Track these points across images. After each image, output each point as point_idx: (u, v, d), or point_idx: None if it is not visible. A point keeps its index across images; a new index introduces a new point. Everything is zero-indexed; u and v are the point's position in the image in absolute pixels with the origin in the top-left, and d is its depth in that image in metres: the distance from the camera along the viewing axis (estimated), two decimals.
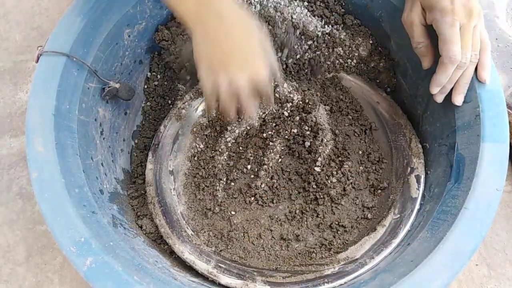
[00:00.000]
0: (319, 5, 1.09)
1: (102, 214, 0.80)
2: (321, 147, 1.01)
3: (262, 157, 1.04)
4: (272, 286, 0.85)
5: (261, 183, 1.01)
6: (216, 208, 0.99)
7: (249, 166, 1.04)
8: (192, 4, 0.75)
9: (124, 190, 0.98)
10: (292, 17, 1.05)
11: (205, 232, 0.96)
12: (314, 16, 1.08)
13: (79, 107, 0.85)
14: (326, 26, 1.08)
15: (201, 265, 0.88)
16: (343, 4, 1.08)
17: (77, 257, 0.69)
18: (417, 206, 0.92)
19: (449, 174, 0.83)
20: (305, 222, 0.98)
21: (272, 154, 1.03)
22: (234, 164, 1.05)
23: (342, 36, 1.09)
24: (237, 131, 1.05)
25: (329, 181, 0.99)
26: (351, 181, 0.99)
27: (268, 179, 1.02)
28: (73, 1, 0.87)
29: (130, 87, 0.97)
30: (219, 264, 0.89)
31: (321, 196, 0.98)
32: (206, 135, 1.07)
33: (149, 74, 1.11)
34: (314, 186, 1.00)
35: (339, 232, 0.96)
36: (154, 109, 1.12)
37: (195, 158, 1.06)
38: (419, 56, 0.91)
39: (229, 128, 1.05)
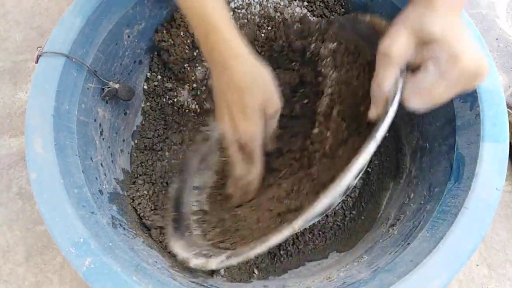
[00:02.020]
0: (319, 5, 1.09)
1: (102, 215, 0.80)
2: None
3: None
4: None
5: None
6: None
7: None
8: (205, 48, 0.77)
9: (124, 190, 0.98)
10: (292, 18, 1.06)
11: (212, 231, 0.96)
12: (314, 16, 1.09)
13: (78, 107, 0.85)
14: None
15: (181, 253, 0.87)
16: (343, 4, 1.09)
17: (76, 257, 0.69)
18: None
19: (449, 174, 0.83)
20: (303, 191, 0.93)
21: None
22: None
23: None
24: None
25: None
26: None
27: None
28: (73, 1, 0.87)
29: (129, 87, 0.98)
30: (203, 252, 0.86)
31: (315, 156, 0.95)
32: None
33: (148, 74, 1.11)
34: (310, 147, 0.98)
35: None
36: (154, 110, 1.12)
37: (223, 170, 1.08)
38: (372, 99, 0.72)
39: None
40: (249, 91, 0.77)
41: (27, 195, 1.19)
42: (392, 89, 0.66)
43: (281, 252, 1.04)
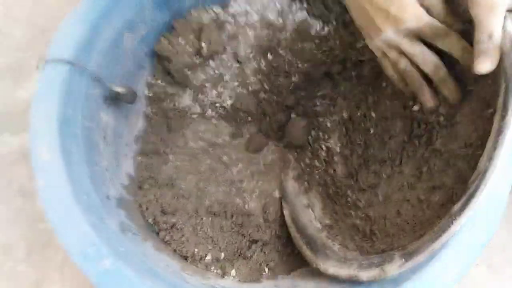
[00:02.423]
0: (318, 6, 1.09)
1: (111, 220, 0.80)
2: None
3: None
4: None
5: None
6: None
7: None
8: None
9: (130, 195, 0.98)
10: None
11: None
12: (314, 17, 1.09)
13: (82, 113, 0.85)
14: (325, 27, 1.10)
15: (342, 272, 0.83)
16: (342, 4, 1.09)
17: (89, 264, 0.69)
18: None
19: None
20: (434, 168, 0.86)
21: None
22: None
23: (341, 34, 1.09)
24: None
25: None
26: None
27: None
28: (74, 6, 0.86)
29: (132, 90, 0.98)
30: (362, 263, 0.82)
31: None
32: None
33: (150, 78, 1.12)
34: None
35: None
36: (156, 114, 1.12)
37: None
38: (479, 53, 0.66)
39: None
40: None
41: (27, 193, 1.18)
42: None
43: (289, 251, 1.05)
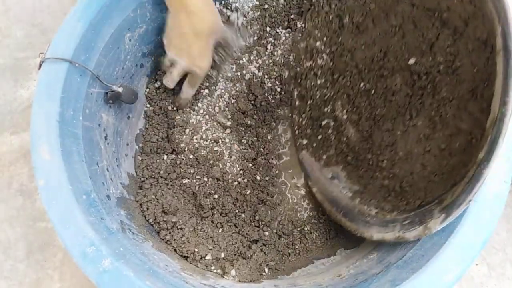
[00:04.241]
0: None
1: (111, 220, 0.80)
2: None
3: None
4: None
5: None
6: None
7: None
8: None
9: (131, 195, 0.98)
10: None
11: None
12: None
13: (83, 113, 0.85)
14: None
15: (383, 235, 0.87)
16: None
17: (89, 264, 0.69)
18: None
19: None
20: (447, 116, 0.85)
21: None
22: None
23: None
24: None
25: None
26: None
27: None
28: (74, 5, 0.86)
29: (133, 90, 0.97)
30: (404, 223, 0.84)
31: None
32: None
33: (150, 77, 1.12)
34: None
35: None
36: (156, 113, 1.12)
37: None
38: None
39: None
40: (210, 35, 1.00)
41: (27, 192, 1.19)
42: None
43: (290, 251, 1.05)
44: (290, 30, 1.17)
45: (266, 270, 0.99)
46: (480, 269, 1.12)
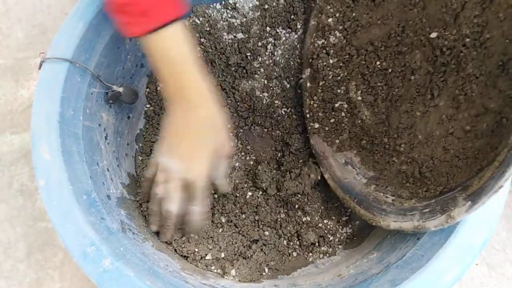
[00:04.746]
0: None
1: (111, 220, 0.80)
2: None
3: None
4: None
5: None
6: None
7: None
8: (173, 86, 0.81)
9: (131, 194, 0.98)
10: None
11: None
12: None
13: (83, 112, 0.85)
14: None
15: (403, 224, 0.82)
16: None
17: (89, 264, 0.69)
18: None
19: None
20: (472, 95, 0.79)
21: None
22: None
23: None
24: None
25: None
26: None
27: None
28: (75, 6, 0.86)
29: (133, 90, 0.97)
30: (424, 211, 0.80)
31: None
32: None
33: (150, 77, 1.12)
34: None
35: None
36: (156, 113, 1.12)
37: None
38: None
39: None
40: (209, 136, 0.83)
41: (28, 192, 1.19)
42: None
43: (290, 250, 1.04)
44: (290, 30, 1.16)
45: (266, 270, 0.99)
46: (480, 269, 1.12)
